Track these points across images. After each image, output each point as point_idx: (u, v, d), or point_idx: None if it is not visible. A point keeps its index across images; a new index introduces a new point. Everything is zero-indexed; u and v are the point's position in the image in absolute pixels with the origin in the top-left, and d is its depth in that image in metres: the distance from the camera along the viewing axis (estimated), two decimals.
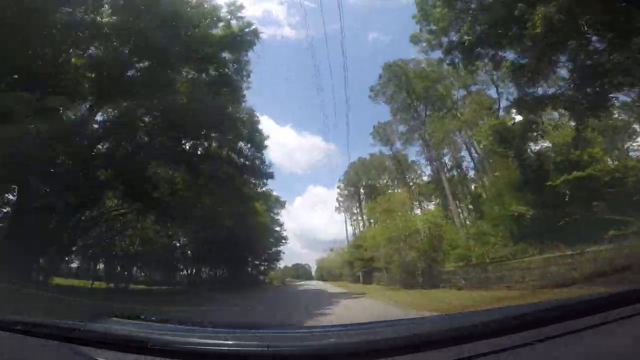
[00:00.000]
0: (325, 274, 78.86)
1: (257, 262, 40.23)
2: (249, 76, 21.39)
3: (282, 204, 42.55)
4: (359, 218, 58.21)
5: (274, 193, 40.11)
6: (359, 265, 37.73)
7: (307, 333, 1.86)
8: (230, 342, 1.27)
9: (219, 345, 1.21)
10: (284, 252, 46.55)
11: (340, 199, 63.85)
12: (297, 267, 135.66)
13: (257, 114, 23.61)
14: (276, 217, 41.96)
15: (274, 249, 43.33)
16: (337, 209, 65.29)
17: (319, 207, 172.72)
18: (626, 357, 1.04)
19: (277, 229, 42.28)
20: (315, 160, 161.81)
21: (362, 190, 58.80)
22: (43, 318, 1.77)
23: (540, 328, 1.13)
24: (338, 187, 64.26)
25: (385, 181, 53.59)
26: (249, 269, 39.38)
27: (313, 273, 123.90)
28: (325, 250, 69.96)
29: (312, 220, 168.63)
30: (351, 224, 61.87)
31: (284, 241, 44.26)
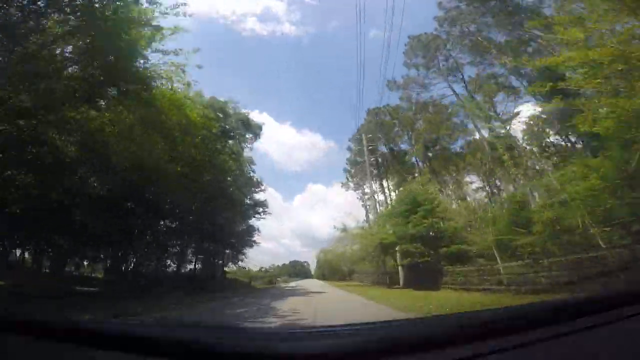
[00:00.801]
0: (327, 271, 59.32)
1: (212, 247, 21.52)
2: None
3: (255, 130, 23.58)
4: (375, 197, 39.61)
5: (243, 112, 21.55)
6: (400, 253, 19.30)
7: (307, 333, 1.75)
8: (231, 342, 1.25)
9: (219, 344, 1.18)
10: (259, 231, 27.77)
11: (350, 169, 45.43)
12: (294, 264, 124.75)
13: None
14: (251, 171, 23.51)
15: (245, 224, 24.67)
16: (344, 184, 46.91)
17: (319, 205, 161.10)
18: (626, 357, 1.03)
19: (251, 188, 23.67)
20: (315, 158, 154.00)
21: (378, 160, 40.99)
22: (44, 318, 1.74)
23: (540, 328, 1.12)
24: (348, 149, 45.86)
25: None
26: (200, 260, 20.61)
27: (312, 271, 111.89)
28: (325, 242, 50.81)
29: (311, 218, 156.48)
30: (363, 205, 43.56)
31: (262, 211, 25.37)
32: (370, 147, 33.77)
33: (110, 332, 1.42)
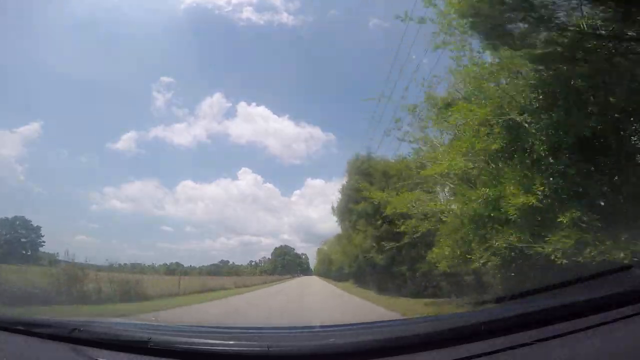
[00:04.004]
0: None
1: None
2: None
3: None
4: None
5: None
6: None
7: (307, 333, 1.81)
8: (231, 342, 1.26)
9: (219, 345, 1.20)
10: None
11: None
12: (284, 251, 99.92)
13: None
14: None
15: None
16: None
17: (318, 199, 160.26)
18: (626, 357, 1.02)
19: None
20: (313, 151, 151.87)
21: None
22: (44, 318, 1.72)
23: (540, 328, 1.11)
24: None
25: None
26: None
27: (312, 265, 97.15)
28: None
29: (310, 214, 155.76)
30: None
31: None
32: None
33: (109, 332, 1.43)
